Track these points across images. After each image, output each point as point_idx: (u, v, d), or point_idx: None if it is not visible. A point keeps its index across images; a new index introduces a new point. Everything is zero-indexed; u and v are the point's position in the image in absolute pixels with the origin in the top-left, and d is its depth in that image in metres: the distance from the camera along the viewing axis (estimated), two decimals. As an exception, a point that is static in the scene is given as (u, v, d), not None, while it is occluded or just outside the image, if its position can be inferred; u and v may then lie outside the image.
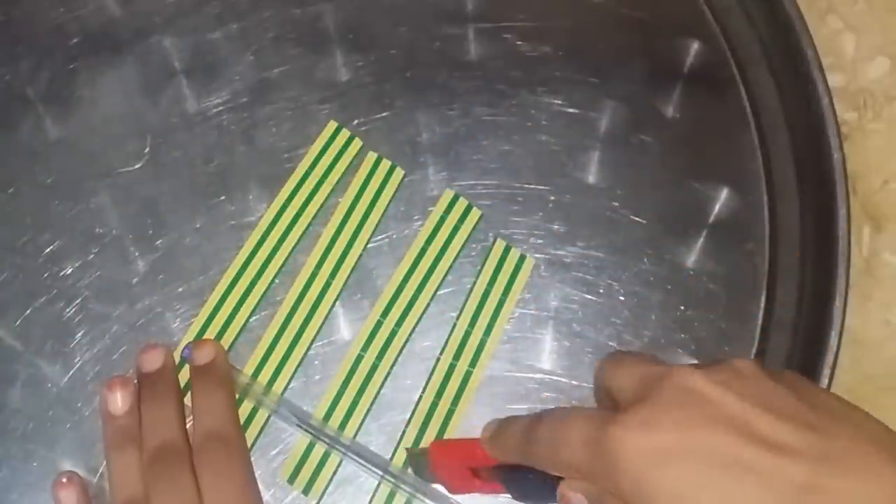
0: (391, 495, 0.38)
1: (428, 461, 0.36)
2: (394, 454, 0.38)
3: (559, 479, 0.31)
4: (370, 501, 0.38)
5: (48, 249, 0.41)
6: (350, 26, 0.45)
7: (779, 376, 0.29)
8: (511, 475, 0.34)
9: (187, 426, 0.37)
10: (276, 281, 0.41)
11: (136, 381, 0.38)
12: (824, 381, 0.38)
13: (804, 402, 0.28)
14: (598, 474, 0.28)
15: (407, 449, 0.38)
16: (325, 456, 0.38)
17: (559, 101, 0.44)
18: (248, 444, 0.38)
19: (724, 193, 0.43)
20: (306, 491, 0.38)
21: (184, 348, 0.39)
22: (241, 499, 0.34)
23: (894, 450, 0.26)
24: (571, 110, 0.44)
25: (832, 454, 0.26)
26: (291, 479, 0.38)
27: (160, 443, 0.35)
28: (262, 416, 0.39)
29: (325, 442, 0.38)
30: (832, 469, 0.26)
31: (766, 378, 0.28)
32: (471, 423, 0.39)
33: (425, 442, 0.39)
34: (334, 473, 0.38)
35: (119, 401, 0.36)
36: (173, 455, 0.35)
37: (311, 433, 0.38)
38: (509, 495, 0.35)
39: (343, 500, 0.38)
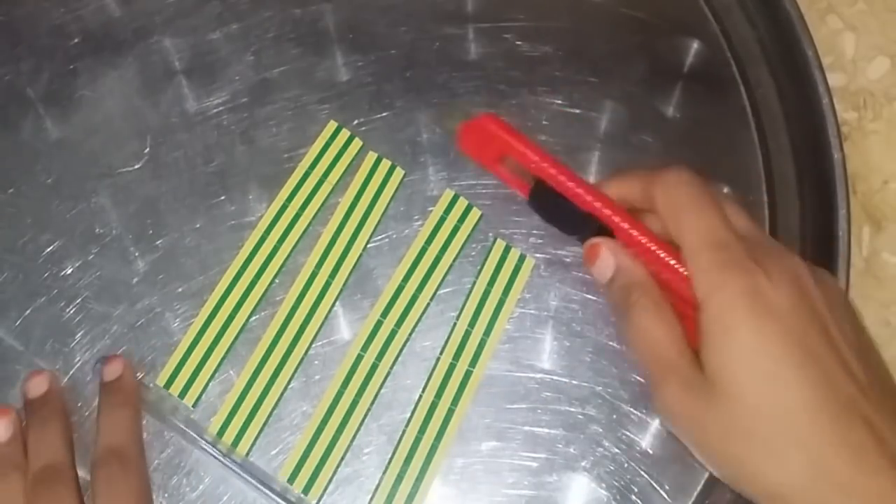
0: (391, 496, 0.38)
1: (465, 121, 0.39)
2: (392, 457, 0.38)
3: (591, 221, 0.36)
4: (370, 501, 0.38)
5: (48, 249, 0.41)
6: (350, 26, 0.45)
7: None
8: (543, 187, 0.37)
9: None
10: (276, 281, 0.41)
11: (21, 408, 0.38)
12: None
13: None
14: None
15: (448, 103, 0.41)
16: (325, 456, 0.38)
17: (559, 101, 0.44)
18: (248, 444, 0.38)
19: (724, 193, 0.43)
20: (306, 491, 0.38)
21: (95, 362, 0.39)
22: None
23: None
24: (571, 110, 0.44)
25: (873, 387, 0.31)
26: (291, 479, 0.38)
27: (43, 465, 0.35)
28: (262, 416, 0.39)
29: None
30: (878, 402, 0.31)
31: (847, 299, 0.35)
32: (471, 423, 0.39)
33: (428, 439, 0.39)
34: (334, 473, 0.38)
35: (1, 429, 0.36)
36: (55, 476, 0.35)
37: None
38: (525, 199, 0.39)
39: (343, 500, 0.38)
